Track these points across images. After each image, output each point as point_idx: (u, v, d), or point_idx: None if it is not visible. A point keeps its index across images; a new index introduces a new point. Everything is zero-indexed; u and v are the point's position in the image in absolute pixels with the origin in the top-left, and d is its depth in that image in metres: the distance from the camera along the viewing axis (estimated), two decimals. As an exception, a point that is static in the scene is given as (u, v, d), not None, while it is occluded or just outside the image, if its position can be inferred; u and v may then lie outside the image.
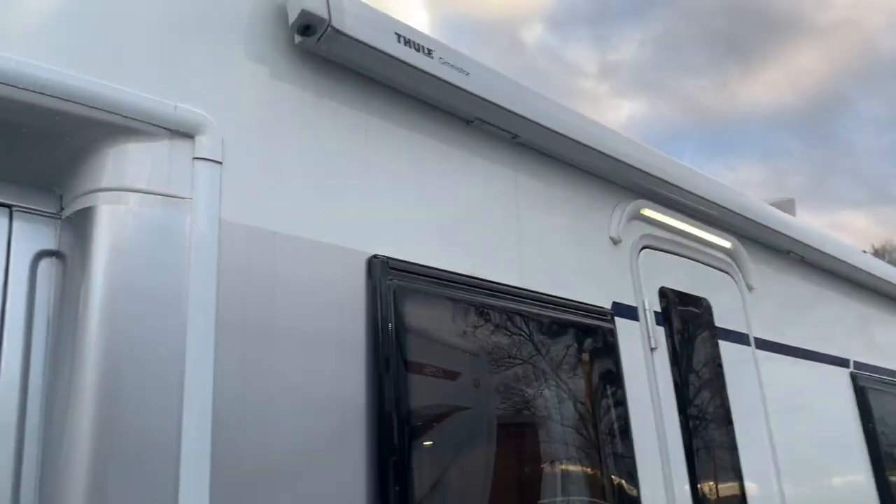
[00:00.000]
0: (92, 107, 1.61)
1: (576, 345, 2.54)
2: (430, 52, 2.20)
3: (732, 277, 3.54)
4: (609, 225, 2.96)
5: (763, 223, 3.69)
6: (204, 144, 1.77)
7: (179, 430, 1.55)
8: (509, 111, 2.47)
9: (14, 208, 1.64)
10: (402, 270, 2.06)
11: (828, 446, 3.92)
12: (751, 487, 3.14)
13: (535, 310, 2.43)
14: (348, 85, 2.14)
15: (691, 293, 3.24)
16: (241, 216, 1.80)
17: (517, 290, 2.40)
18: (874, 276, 4.71)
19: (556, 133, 2.65)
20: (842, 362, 4.29)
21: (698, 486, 2.87)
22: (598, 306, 2.70)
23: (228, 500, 1.59)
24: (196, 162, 1.75)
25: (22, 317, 1.57)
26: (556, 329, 2.48)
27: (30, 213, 1.66)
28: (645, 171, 3.04)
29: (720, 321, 3.33)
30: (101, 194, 1.64)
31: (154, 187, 1.68)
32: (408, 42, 2.15)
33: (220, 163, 1.79)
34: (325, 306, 1.90)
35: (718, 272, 3.46)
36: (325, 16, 1.97)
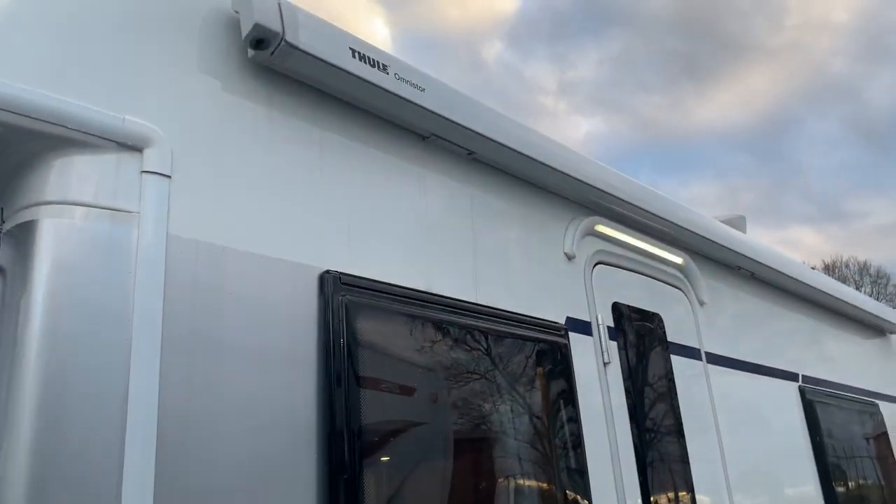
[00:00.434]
0: (35, 118, 1.58)
1: (530, 360, 2.55)
2: (385, 68, 2.21)
3: (684, 293, 3.60)
4: (564, 241, 2.99)
5: (714, 240, 3.76)
6: (152, 158, 1.74)
7: (122, 450, 1.52)
8: (465, 128, 2.48)
9: (-48, 221, 1.59)
10: (355, 286, 2.05)
11: (777, 458, 4.00)
12: (702, 500, 3.19)
13: (490, 325, 2.44)
14: (302, 99, 2.14)
15: (644, 308, 3.28)
16: (190, 231, 1.77)
17: (472, 306, 2.40)
18: (823, 291, 4.83)
19: (512, 150, 2.67)
20: (791, 376, 4.39)
21: (651, 498, 2.90)
22: (552, 321, 2.72)
23: (173, 521, 1.56)
24: (144, 175, 1.73)
25: (-42, 333, 1.52)
26: (510, 344, 2.49)
27: None
28: (599, 188, 3.08)
29: (672, 336, 3.38)
30: (43, 207, 1.61)
31: (100, 201, 1.65)
32: (363, 57, 2.15)
33: (169, 176, 1.76)
34: (276, 322, 1.88)
35: (671, 287, 3.52)
36: (279, 30, 1.96)
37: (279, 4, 1.99)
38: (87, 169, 1.66)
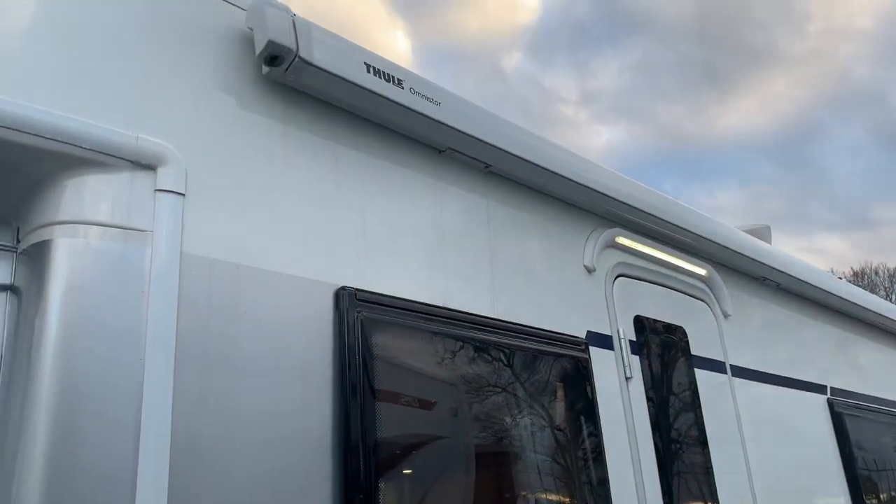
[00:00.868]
0: (49, 138, 1.58)
1: (549, 375, 2.51)
2: (399, 83, 2.20)
3: (708, 305, 3.54)
4: (584, 253, 2.95)
5: (738, 250, 3.70)
6: (166, 176, 1.74)
7: (136, 467, 1.51)
8: (481, 141, 2.46)
9: (-32, 242, 1.60)
10: (371, 302, 2.03)
11: (805, 472, 3.90)
12: (728, 517, 3.12)
13: (508, 340, 2.41)
14: (317, 114, 2.13)
15: (667, 321, 3.23)
16: (204, 248, 1.76)
17: (489, 321, 2.37)
18: (850, 301, 4.73)
19: (529, 162, 2.64)
20: (819, 388, 4.29)
21: (675, 516, 2.84)
22: (571, 336, 2.68)
23: (186, 543, 1.55)
24: (158, 194, 1.72)
25: (-28, 354, 1.53)
26: (528, 359, 2.46)
27: None
28: (619, 200, 3.04)
29: (696, 349, 3.32)
30: (58, 227, 1.61)
31: (114, 220, 1.65)
32: (377, 72, 2.14)
33: (183, 195, 1.76)
34: (291, 339, 1.86)
35: (694, 300, 3.46)
36: (293, 46, 1.95)
37: (293, 21, 1.98)
38: (101, 188, 1.66)
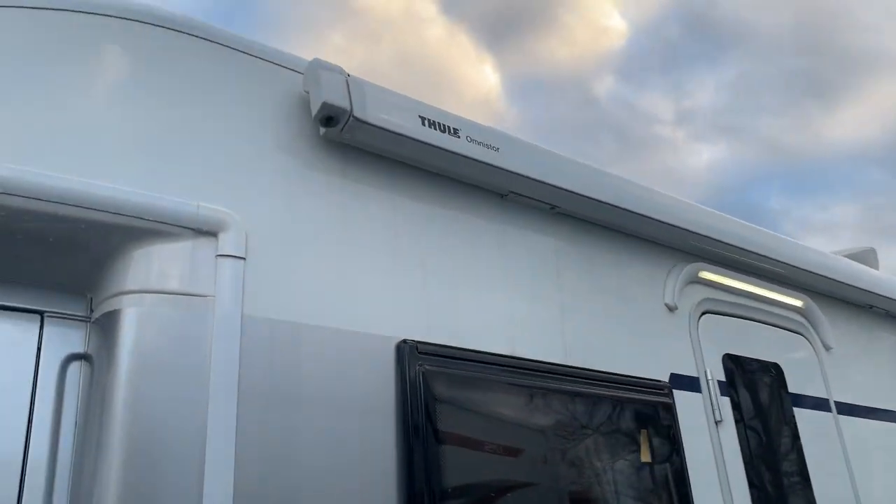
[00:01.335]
0: (114, 213, 1.67)
1: (627, 422, 2.41)
2: (456, 132, 2.20)
3: (806, 338, 3.32)
4: (664, 291, 2.83)
5: (838, 279, 3.46)
6: (227, 241, 1.80)
7: None
8: (545, 183, 2.42)
9: (46, 314, 1.69)
10: (433, 354, 2.02)
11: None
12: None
13: (581, 387, 2.32)
14: (375, 168, 2.15)
15: (760, 358, 3.05)
16: (265, 310, 1.80)
17: (560, 368, 2.30)
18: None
19: (598, 201, 2.58)
20: None
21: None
22: (653, 380, 2.57)
23: None
24: (219, 259, 1.78)
25: (48, 423, 1.61)
26: (604, 406, 2.37)
27: (60, 317, 1.71)
28: (701, 233, 2.91)
29: (794, 386, 3.11)
30: (125, 297, 1.68)
31: (176, 287, 1.71)
32: (433, 124, 2.15)
33: (243, 258, 1.81)
34: (353, 395, 1.87)
35: (790, 333, 3.25)
36: (347, 106, 1.99)
37: (346, 81, 2.03)
38: (165, 257, 1.73)
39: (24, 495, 1.54)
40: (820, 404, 3.22)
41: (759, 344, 3.09)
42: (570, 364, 2.34)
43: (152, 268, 1.72)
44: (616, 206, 2.63)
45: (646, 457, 2.41)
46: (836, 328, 3.49)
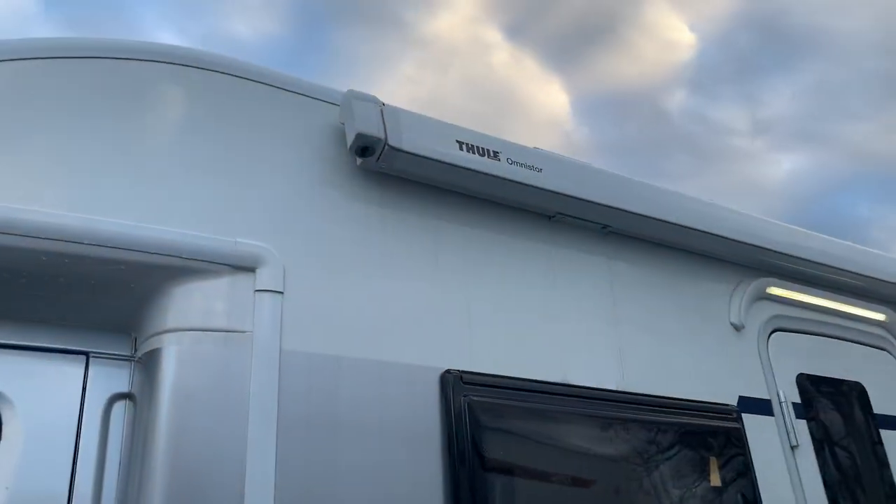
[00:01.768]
0: (154, 253, 1.69)
1: (691, 450, 2.28)
2: (496, 155, 2.16)
3: (892, 354, 3.10)
4: (729, 310, 2.69)
5: (925, 289, 3.22)
6: (265, 276, 1.80)
7: None
8: (594, 203, 2.34)
9: (91, 355, 1.73)
10: (479, 384, 1.96)
11: None
12: None
13: (640, 415, 2.22)
14: (415, 196, 2.13)
15: (839, 377, 2.85)
16: (304, 344, 1.79)
17: (616, 395, 2.21)
18: None
19: (654, 219, 2.48)
20: None
21: None
22: (719, 404, 2.43)
23: None
24: (257, 294, 1.78)
25: (93, 463, 1.63)
26: (666, 434, 2.25)
27: (105, 357, 1.74)
28: (768, 248, 2.77)
29: (880, 406, 2.90)
30: (165, 335, 1.70)
31: (215, 324, 1.72)
32: (471, 148, 2.12)
33: (281, 293, 1.80)
34: (395, 428, 1.83)
35: (872, 349, 3.04)
36: (381, 136, 1.98)
37: (381, 111, 2.02)
38: (204, 294, 1.74)
39: (70, 534, 1.56)
40: (910, 426, 2.98)
41: (837, 362, 2.89)
42: (627, 390, 2.24)
43: (192, 305, 1.73)
44: (673, 223, 2.52)
45: (714, 487, 2.28)
46: (926, 342, 3.24)
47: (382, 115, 2.01)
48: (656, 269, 2.58)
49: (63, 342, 1.71)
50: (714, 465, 2.32)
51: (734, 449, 2.38)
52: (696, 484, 2.25)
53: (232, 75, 1.97)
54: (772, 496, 2.38)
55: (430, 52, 25.03)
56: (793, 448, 2.55)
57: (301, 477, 1.66)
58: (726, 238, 2.66)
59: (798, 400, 2.67)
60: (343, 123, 2.05)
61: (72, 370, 1.69)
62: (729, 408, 2.45)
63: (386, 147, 1.99)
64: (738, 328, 2.67)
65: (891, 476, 2.77)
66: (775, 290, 2.84)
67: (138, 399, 1.71)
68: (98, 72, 1.83)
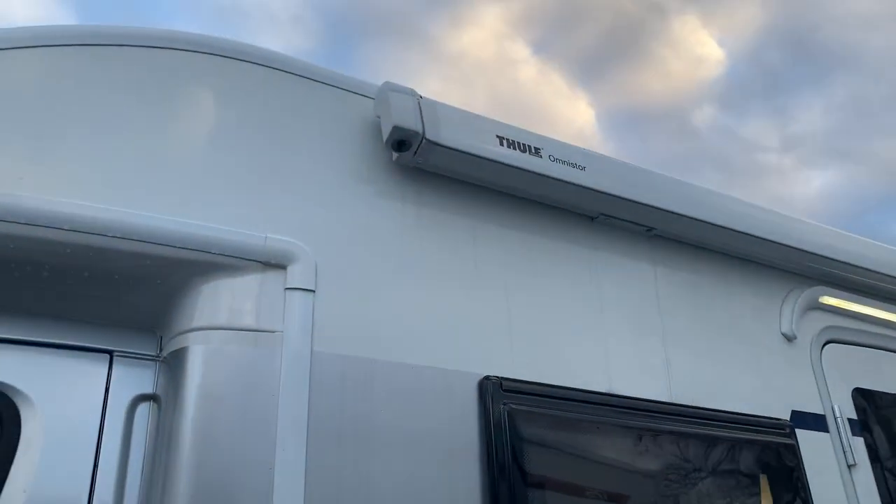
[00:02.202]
0: (180, 247, 1.61)
1: (742, 466, 2.14)
2: (537, 151, 2.05)
3: (953, 370, 2.92)
4: (780, 319, 2.56)
5: None
6: (296, 274, 1.71)
7: None
8: (639, 203, 2.23)
9: (114, 354, 1.65)
10: (519, 392, 1.85)
11: None
12: None
13: (687, 428, 2.09)
14: (452, 193, 2.04)
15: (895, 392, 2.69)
16: (336, 345, 1.70)
17: (663, 406, 2.08)
18: None
19: (703, 222, 2.36)
20: None
21: None
22: (771, 418, 2.29)
23: None
24: (288, 292, 1.69)
25: (115, 465, 1.55)
26: (715, 448, 2.11)
27: (129, 357, 1.66)
28: (823, 255, 2.63)
29: (942, 425, 2.73)
30: (192, 334, 1.62)
31: (244, 323, 1.64)
32: (512, 143, 2.02)
33: (313, 291, 1.72)
34: (431, 436, 1.72)
35: (932, 364, 2.87)
36: (419, 129, 1.89)
37: (418, 103, 1.93)
38: (233, 292, 1.66)
39: (90, 539, 1.48)
40: (975, 446, 2.80)
41: (894, 376, 2.73)
42: (675, 402, 2.12)
43: (219, 303, 1.65)
44: (723, 227, 2.40)
45: (765, 502, 2.14)
46: None
47: (420, 107, 1.93)
48: (703, 274, 2.45)
49: (86, 340, 1.63)
50: (765, 483, 2.18)
51: (787, 466, 2.23)
52: (747, 502, 2.11)
53: (266, 66, 1.89)
54: (828, 517, 2.23)
55: (457, 68, 25.04)
56: (850, 467, 2.40)
57: (332, 484, 1.56)
58: (777, 243, 2.53)
59: (854, 416, 2.52)
60: (379, 116, 1.96)
61: (95, 369, 1.62)
62: (782, 422, 2.31)
63: (423, 141, 1.90)
64: (789, 339, 2.53)
65: (955, 499, 2.60)
66: (829, 300, 2.69)
67: (163, 401, 1.63)
68: (133, 61, 1.76)
